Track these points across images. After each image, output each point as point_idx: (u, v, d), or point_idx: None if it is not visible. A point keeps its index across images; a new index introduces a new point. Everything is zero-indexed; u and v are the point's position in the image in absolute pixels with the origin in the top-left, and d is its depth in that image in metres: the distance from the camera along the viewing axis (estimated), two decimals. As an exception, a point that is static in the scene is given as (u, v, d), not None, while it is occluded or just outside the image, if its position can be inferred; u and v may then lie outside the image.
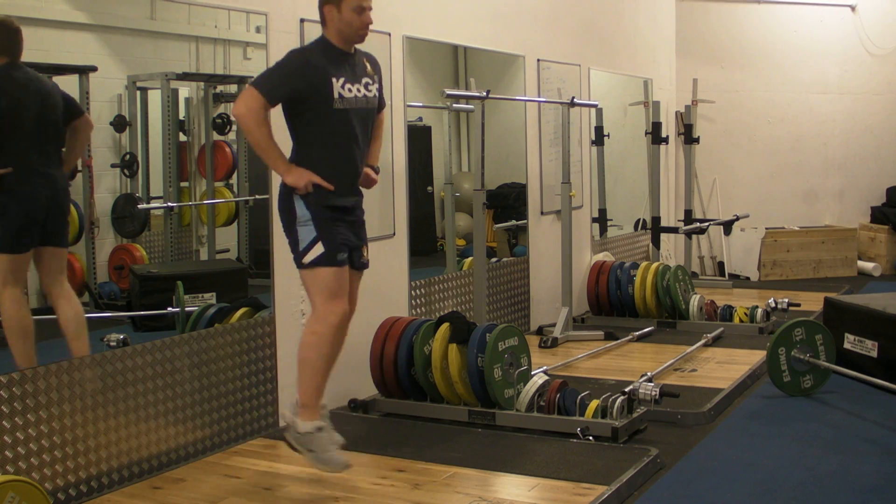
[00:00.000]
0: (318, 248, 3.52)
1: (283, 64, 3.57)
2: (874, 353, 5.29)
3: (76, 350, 3.79)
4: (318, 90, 3.52)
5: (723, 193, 9.92)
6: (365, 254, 3.82)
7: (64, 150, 3.93)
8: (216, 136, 5.70)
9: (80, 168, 4.78)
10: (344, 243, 3.61)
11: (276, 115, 3.65)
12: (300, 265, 3.58)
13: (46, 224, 3.80)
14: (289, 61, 3.57)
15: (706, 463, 4.08)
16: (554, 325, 6.52)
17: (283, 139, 3.68)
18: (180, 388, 4.05)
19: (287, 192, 3.56)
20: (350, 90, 3.58)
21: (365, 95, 3.65)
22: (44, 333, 3.87)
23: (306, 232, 3.54)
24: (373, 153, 3.84)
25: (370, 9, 3.63)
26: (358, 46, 3.75)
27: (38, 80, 3.86)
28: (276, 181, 4.51)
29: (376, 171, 3.86)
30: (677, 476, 3.89)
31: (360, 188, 3.79)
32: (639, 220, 8.99)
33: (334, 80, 3.54)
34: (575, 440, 4.20)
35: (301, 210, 3.54)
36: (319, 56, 3.56)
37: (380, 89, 3.80)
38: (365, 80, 3.68)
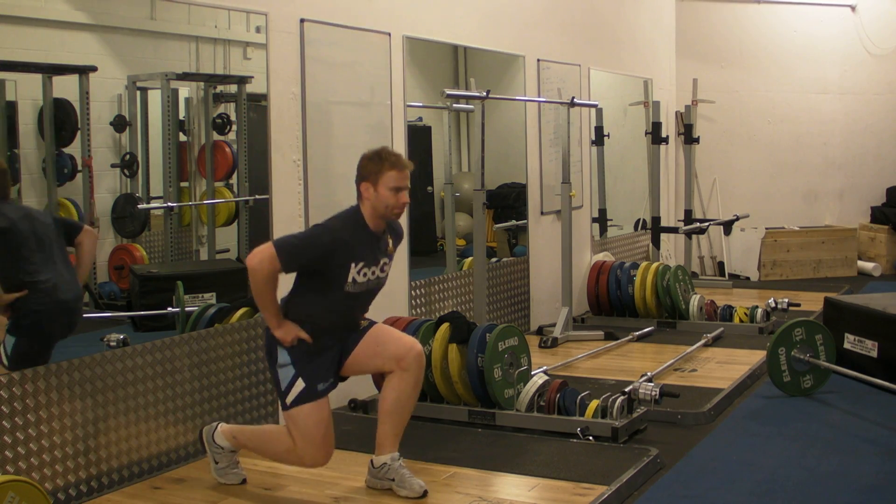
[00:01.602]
0: (299, 385, 3.51)
1: (311, 240, 3.50)
2: (874, 353, 5.29)
3: None
4: (334, 272, 3.50)
5: (723, 193, 9.92)
6: (363, 323, 3.75)
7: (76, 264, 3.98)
8: (216, 136, 5.69)
9: (80, 168, 4.79)
10: (323, 371, 3.58)
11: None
12: (284, 407, 3.58)
13: (61, 335, 3.84)
14: (318, 239, 3.49)
15: (706, 463, 4.08)
16: (554, 325, 6.52)
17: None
18: (180, 388, 4.05)
19: (272, 336, 3.56)
20: (365, 275, 3.55)
21: (377, 277, 3.64)
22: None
23: (286, 373, 3.53)
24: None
25: (407, 188, 3.58)
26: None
27: (27, 208, 4.01)
28: (276, 181, 4.52)
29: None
30: (677, 476, 3.89)
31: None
32: (639, 220, 8.99)
33: (353, 265, 3.50)
34: (575, 440, 4.20)
35: (282, 356, 3.54)
36: (348, 235, 3.50)
37: (392, 258, 3.75)
38: (383, 261, 3.65)
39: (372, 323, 3.75)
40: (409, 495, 3.59)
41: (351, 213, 3.59)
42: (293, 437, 3.55)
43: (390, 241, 3.70)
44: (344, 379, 3.74)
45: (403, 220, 5.32)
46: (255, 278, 3.41)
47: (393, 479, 3.62)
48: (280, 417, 4.41)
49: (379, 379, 4.69)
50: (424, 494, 3.59)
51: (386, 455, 3.64)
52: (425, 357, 3.75)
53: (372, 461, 3.68)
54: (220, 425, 3.80)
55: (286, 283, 3.60)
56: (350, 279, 3.51)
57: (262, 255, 3.39)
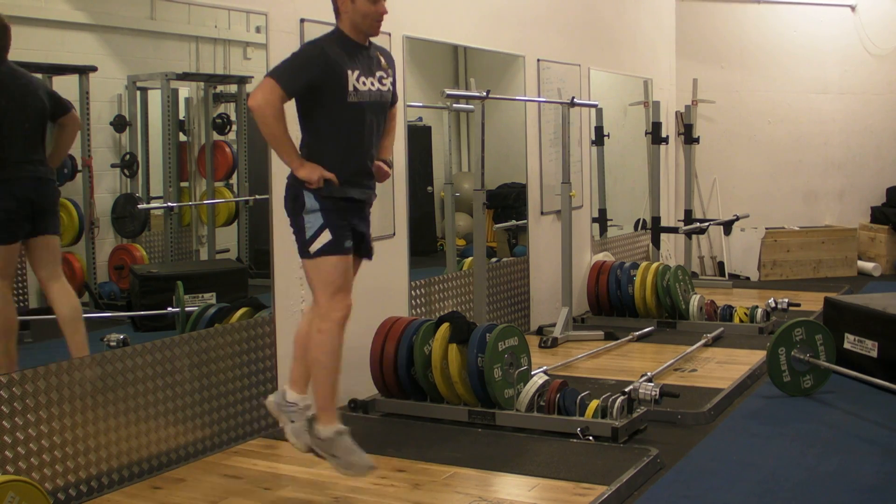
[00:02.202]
0: (325, 236, 3.46)
1: (300, 55, 3.54)
2: (874, 353, 5.29)
3: (74, 345, 3.78)
4: (334, 82, 3.48)
5: (723, 193, 9.92)
6: (370, 243, 3.77)
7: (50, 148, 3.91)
8: (216, 136, 5.70)
9: (80, 168, 4.79)
10: (351, 231, 3.57)
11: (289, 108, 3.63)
12: (306, 254, 3.50)
13: (35, 215, 3.77)
14: (305, 52, 3.55)
15: (706, 463, 4.08)
16: (554, 325, 6.52)
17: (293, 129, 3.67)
18: (180, 388, 4.05)
19: (296, 183, 3.52)
20: (364, 83, 3.54)
21: (379, 89, 3.61)
22: (46, 333, 3.87)
23: (313, 220, 3.48)
24: (385, 147, 3.80)
25: None
26: (372, 40, 3.72)
27: (23, 76, 3.85)
28: (276, 181, 4.52)
29: (389, 165, 3.82)
30: (677, 476, 3.89)
31: (374, 182, 3.75)
32: (639, 220, 8.99)
33: (349, 72, 3.49)
34: (575, 440, 4.20)
35: (310, 201, 3.49)
36: (335, 47, 3.51)
37: (393, 83, 3.76)
38: (379, 73, 3.63)
39: (367, 255, 3.75)
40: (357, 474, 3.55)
41: (332, 31, 3.61)
42: (315, 295, 3.49)
43: (381, 58, 3.69)
44: None
45: (403, 219, 5.34)
46: (264, 116, 3.37)
47: (336, 456, 3.52)
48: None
49: (379, 378, 4.71)
50: (371, 469, 3.54)
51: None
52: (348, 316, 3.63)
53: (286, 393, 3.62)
54: (285, 388, 3.68)
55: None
56: (351, 87, 3.48)
57: (262, 90, 3.38)
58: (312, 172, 3.44)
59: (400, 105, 5.29)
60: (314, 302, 3.55)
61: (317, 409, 3.54)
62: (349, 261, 3.55)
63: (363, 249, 3.72)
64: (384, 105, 3.69)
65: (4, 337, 3.67)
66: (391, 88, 3.73)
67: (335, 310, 3.47)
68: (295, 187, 3.52)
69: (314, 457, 3.61)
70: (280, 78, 3.40)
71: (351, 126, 3.54)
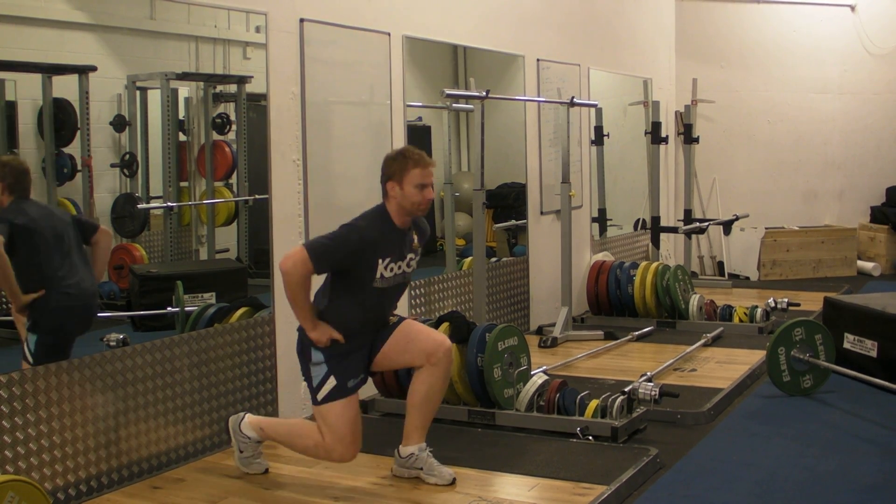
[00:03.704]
0: (331, 382, 3.63)
1: (341, 239, 3.59)
2: (874, 353, 5.29)
3: None
4: (363, 270, 3.60)
5: (722, 193, 9.92)
6: (391, 321, 3.87)
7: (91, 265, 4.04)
8: (216, 136, 5.70)
9: (79, 168, 4.79)
10: (354, 369, 3.69)
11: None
12: (315, 402, 3.68)
13: (79, 331, 3.90)
14: (347, 238, 3.58)
15: (706, 463, 4.08)
16: (554, 324, 6.52)
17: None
18: (180, 388, 4.05)
19: (306, 339, 3.66)
20: (392, 270, 3.66)
21: (404, 272, 3.74)
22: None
23: (318, 371, 3.65)
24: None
25: (431, 185, 3.68)
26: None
27: (48, 207, 4.12)
28: (276, 181, 4.52)
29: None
30: (677, 476, 3.89)
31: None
32: (638, 219, 8.99)
33: (380, 261, 3.60)
34: (575, 440, 4.20)
35: (316, 355, 3.65)
36: (376, 234, 3.60)
37: (419, 252, 3.85)
38: (409, 255, 3.75)
39: (401, 319, 3.86)
40: (439, 482, 3.70)
41: (378, 212, 3.69)
42: (322, 432, 3.65)
43: (415, 238, 3.80)
44: (374, 374, 3.95)
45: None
46: (291, 281, 3.51)
47: (421, 468, 3.74)
48: (286, 408, 4.40)
49: (379, 378, 4.70)
50: (453, 482, 3.70)
51: (413, 446, 3.75)
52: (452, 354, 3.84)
53: (398, 451, 3.79)
54: (246, 416, 3.89)
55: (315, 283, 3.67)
56: (378, 275, 3.61)
57: (294, 259, 3.49)
58: (322, 335, 3.61)
59: (400, 106, 5.33)
60: (322, 435, 3.68)
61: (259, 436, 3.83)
62: (355, 402, 3.69)
63: (392, 327, 3.82)
64: (406, 283, 3.84)
65: None
66: (416, 263, 3.84)
67: (334, 451, 3.67)
68: (303, 340, 3.69)
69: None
70: (313, 255, 3.51)
71: (369, 305, 3.68)
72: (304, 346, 3.68)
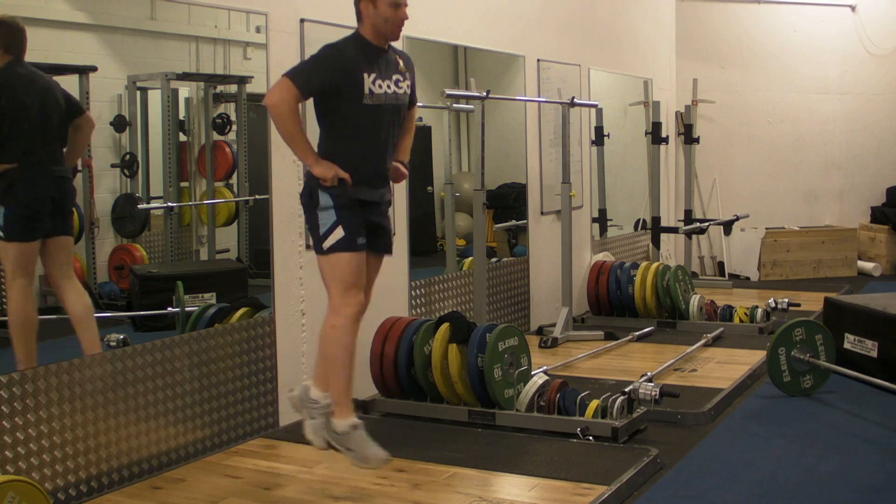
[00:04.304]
0: (338, 233, 3.54)
1: (317, 57, 3.61)
2: (874, 353, 5.29)
3: (87, 342, 3.80)
4: (350, 85, 3.55)
5: (723, 193, 9.92)
6: (390, 238, 3.84)
7: (66, 147, 3.97)
8: (216, 136, 5.70)
9: (80, 168, 4.78)
10: (364, 227, 3.62)
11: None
12: (320, 251, 3.58)
13: (54, 215, 3.84)
14: (322, 54, 3.60)
15: (706, 463, 4.08)
16: (554, 325, 6.52)
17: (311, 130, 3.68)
18: (180, 388, 4.05)
19: (312, 180, 3.59)
20: (381, 86, 3.61)
21: (395, 92, 3.68)
22: (46, 333, 3.87)
23: (327, 216, 3.55)
24: (402, 148, 3.87)
25: (406, 4, 3.66)
26: (392, 44, 3.79)
27: (41, 77, 3.91)
28: (276, 181, 4.52)
29: (406, 166, 3.87)
30: (677, 476, 3.89)
31: (390, 182, 3.81)
32: (639, 220, 8.99)
33: (366, 75, 3.57)
34: (575, 440, 4.20)
35: (324, 198, 3.56)
36: (353, 50, 3.60)
37: (411, 86, 3.83)
38: (396, 76, 3.70)
39: (388, 250, 3.80)
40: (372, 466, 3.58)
41: (352, 34, 3.68)
42: (329, 291, 3.54)
43: (400, 62, 3.76)
44: None
45: (403, 219, 5.34)
46: (280, 115, 3.46)
47: (351, 450, 3.55)
48: (289, 401, 4.40)
49: (379, 378, 4.71)
50: (388, 460, 3.57)
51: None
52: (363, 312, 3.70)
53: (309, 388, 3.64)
54: (310, 384, 3.70)
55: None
56: (367, 90, 3.56)
57: (278, 88, 3.46)
58: (327, 170, 3.51)
59: (416, 108, 5.32)
60: (328, 298, 3.59)
61: (332, 403, 3.57)
62: (362, 258, 3.60)
63: (381, 245, 3.78)
64: (401, 108, 3.76)
65: (25, 333, 3.70)
66: (408, 91, 3.78)
67: (347, 305, 3.53)
68: (310, 184, 3.60)
69: (319, 455, 3.67)
70: (295, 77, 3.48)
71: (366, 128, 3.61)
72: (311, 189, 3.58)
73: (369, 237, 3.66)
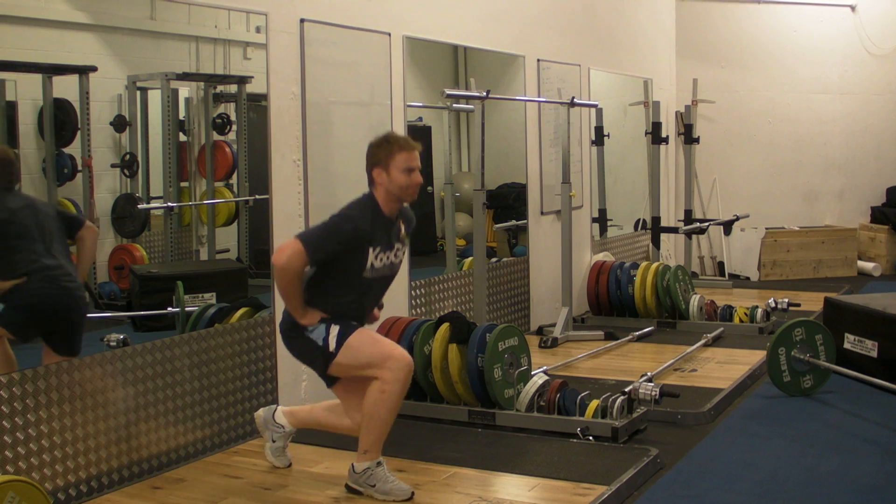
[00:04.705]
0: (334, 331, 3.56)
1: (333, 229, 3.56)
2: (874, 353, 5.29)
3: None
4: (355, 259, 3.57)
5: (723, 193, 9.92)
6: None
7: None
8: (216, 136, 5.70)
9: (80, 168, 4.79)
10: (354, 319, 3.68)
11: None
12: (331, 357, 3.57)
13: (52, 329, 3.79)
14: (340, 229, 3.55)
15: (706, 463, 4.08)
16: (554, 325, 6.52)
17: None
18: (180, 388, 4.05)
19: (295, 324, 3.62)
20: (381, 260, 3.63)
21: (392, 263, 3.71)
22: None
23: (318, 332, 3.58)
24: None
25: (419, 168, 3.64)
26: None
27: (32, 199, 4.01)
28: (276, 181, 4.52)
29: (380, 307, 3.92)
30: (677, 476, 3.89)
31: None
32: (639, 220, 8.99)
33: (371, 250, 3.58)
34: (575, 440, 4.20)
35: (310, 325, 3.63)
36: (367, 223, 3.58)
37: (406, 244, 3.84)
38: (397, 245, 3.72)
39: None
40: (395, 500, 3.57)
41: (366, 200, 3.66)
42: (372, 372, 3.50)
43: (402, 227, 3.77)
44: (334, 381, 3.75)
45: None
46: (286, 274, 3.48)
47: (373, 486, 3.59)
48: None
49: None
50: (412, 496, 3.58)
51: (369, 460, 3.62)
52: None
53: (353, 466, 3.65)
54: (278, 407, 3.93)
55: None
56: (368, 265, 3.58)
57: (290, 252, 3.46)
58: (313, 318, 3.59)
59: (400, 106, 5.33)
60: (375, 377, 3.53)
61: (362, 450, 3.59)
62: (364, 328, 3.67)
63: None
64: (393, 275, 3.79)
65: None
66: (403, 258, 3.80)
67: (396, 369, 3.51)
68: (289, 320, 3.64)
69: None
70: (308, 245, 3.47)
71: (358, 294, 3.64)
72: (293, 324, 3.61)
73: None
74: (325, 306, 3.60)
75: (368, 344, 3.56)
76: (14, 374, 3.41)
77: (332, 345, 3.54)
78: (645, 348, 6.31)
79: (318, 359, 3.61)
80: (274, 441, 3.91)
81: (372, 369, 3.51)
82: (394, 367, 3.49)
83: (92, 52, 4.84)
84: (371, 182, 3.66)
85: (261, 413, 3.96)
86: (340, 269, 3.58)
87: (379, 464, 3.59)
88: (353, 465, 3.62)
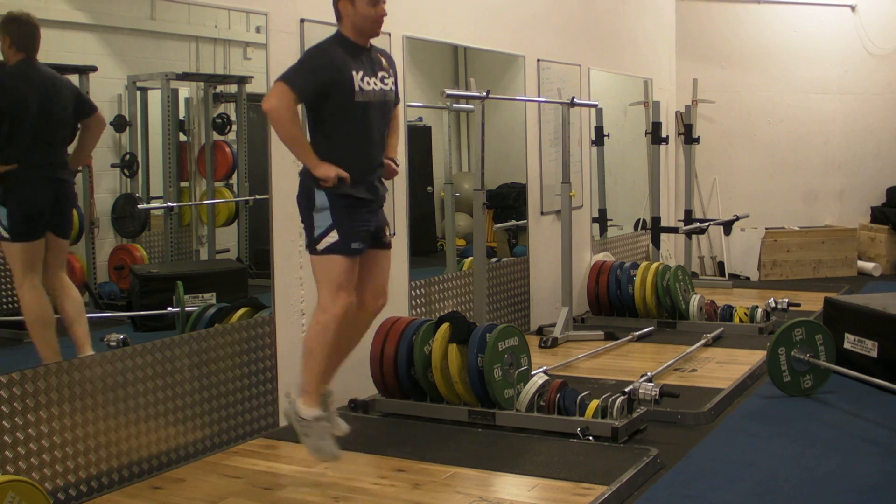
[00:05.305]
0: (333, 236, 3.60)
1: (308, 60, 3.67)
2: (874, 353, 5.29)
3: (80, 340, 3.81)
4: (341, 84, 3.59)
5: (723, 193, 9.92)
6: (387, 233, 3.89)
7: (73, 146, 3.97)
8: (216, 136, 5.70)
9: (80, 168, 4.78)
10: (361, 231, 3.67)
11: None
12: (313, 251, 3.64)
13: (52, 216, 3.85)
14: (312, 57, 3.66)
15: (706, 463, 4.08)
16: (554, 325, 6.52)
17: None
18: (180, 388, 4.05)
19: (309, 181, 3.63)
20: (368, 83, 3.66)
21: (381, 88, 3.74)
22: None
23: (322, 219, 3.61)
24: (391, 146, 3.92)
25: (384, 1, 3.71)
26: (372, 42, 3.82)
27: (51, 76, 3.89)
28: (276, 181, 4.52)
29: (396, 163, 3.92)
30: (677, 476, 3.89)
31: (382, 180, 3.85)
32: (639, 220, 8.99)
33: (354, 73, 3.62)
34: (575, 440, 4.20)
35: (321, 199, 3.61)
36: (339, 50, 3.64)
37: (395, 84, 3.88)
38: (381, 73, 3.76)
39: (388, 245, 3.87)
40: (335, 432, 3.67)
41: (334, 35, 3.73)
42: (319, 290, 3.62)
43: (382, 59, 3.81)
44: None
45: (403, 219, 5.34)
46: (279, 116, 3.50)
47: (307, 436, 3.65)
48: (284, 402, 4.40)
49: (379, 378, 4.70)
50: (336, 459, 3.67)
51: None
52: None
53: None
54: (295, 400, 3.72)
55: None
56: (357, 87, 3.60)
57: (275, 94, 3.49)
58: (329, 171, 3.56)
59: (400, 105, 5.32)
60: (318, 296, 3.66)
61: (301, 390, 3.66)
62: (355, 262, 3.66)
63: (381, 243, 3.84)
64: (388, 104, 3.81)
65: (44, 329, 3.71)
66: (393, 88, 3.84)
67: (336, 305, 3.61)
68: (307, 184, 3.65)
69: (305, 448, 3.72)
70: (291, 82, 3.51)
71: (358, 125, 3.65)
72: (307, 189, 3.63)
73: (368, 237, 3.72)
74: (330, 150, 3.58)
75: (339, 272, 3.59)
76: (14, 374, 3.41)
77: (321, 245, 3.60)
78: (645, 348, 6.31)
79: (307, 239, 3.68)
80: (307, 436, 3.66)
81: (323, 291, 3.60)
82: (336, 303, 3.58)
83: (92, 52, 4.84)
84: (338, 17, 3.71)
85: (286, 411, 3.76)
86: (332, 100, 3.59)
87: (318, 418, 3.60)
88: (295, 399, 3.64)
